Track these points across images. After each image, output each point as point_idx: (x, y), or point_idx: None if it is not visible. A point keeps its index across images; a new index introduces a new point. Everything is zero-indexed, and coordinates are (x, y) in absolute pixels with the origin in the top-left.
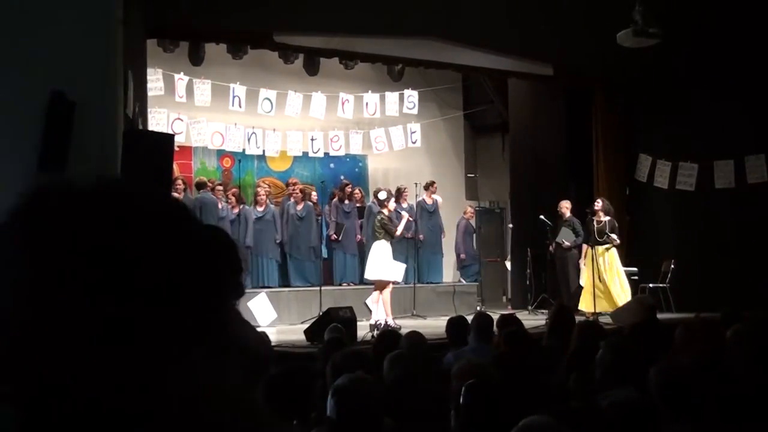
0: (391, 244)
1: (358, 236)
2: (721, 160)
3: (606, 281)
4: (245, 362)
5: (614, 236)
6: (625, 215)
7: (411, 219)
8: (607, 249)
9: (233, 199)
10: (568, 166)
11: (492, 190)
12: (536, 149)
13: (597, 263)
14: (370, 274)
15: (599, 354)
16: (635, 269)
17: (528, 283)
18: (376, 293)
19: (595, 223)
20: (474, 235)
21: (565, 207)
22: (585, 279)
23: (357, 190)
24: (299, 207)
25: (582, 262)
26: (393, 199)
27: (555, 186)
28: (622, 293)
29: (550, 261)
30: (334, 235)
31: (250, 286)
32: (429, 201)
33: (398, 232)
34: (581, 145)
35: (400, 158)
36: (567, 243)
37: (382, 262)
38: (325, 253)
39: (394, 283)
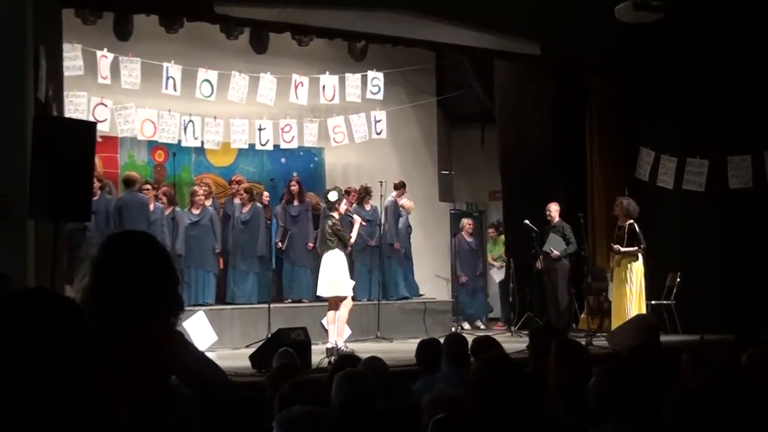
0: (347, 254)
1: (310, 244)
2: (736, 155)
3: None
4: (197, 398)
5: (618, 247)
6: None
7: (363, 223)
8: (630, 259)
9: (164, 199)
10: (557, 163)
11: (470, 190)
12: (521, 142)
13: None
14: (322, 289)
15: (592, 382)
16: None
17: (511, 299)
18: (332, 313)
19: (616, 229)
20: (474, 252)
21: (554, 210)
22: (612, 293)
23: (311, 194)
24: (245, 209)
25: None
26: (344, 201)
27: (542, 186)
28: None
29: (537, 274)
30: (279, 243)
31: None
32: (408, 204)
33: (352, 240)
34: (573, 138)
35: (363, 152)
36: (555, 252)
37: (336, 275)
38: (275, 264)
39: (353, 299)
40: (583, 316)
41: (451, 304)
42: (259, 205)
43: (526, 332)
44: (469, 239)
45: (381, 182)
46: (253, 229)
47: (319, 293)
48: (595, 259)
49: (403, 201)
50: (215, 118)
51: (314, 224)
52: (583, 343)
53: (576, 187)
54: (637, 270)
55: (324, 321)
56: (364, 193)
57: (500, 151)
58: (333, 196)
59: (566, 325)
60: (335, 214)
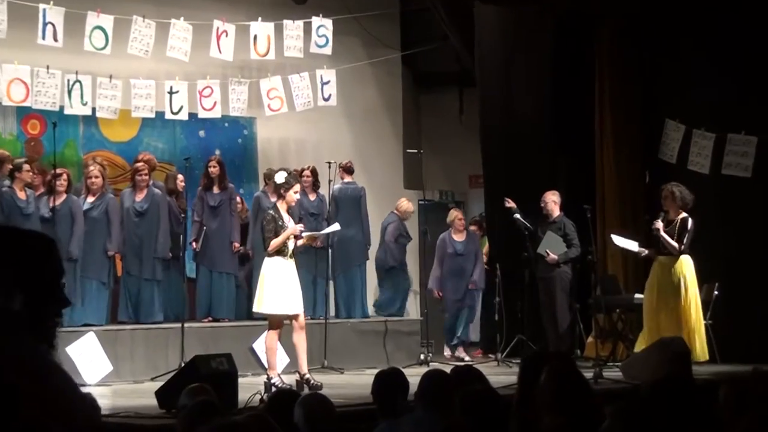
0: (289, 257)
1: (236, 244)
2: None
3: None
4: None
5: (659, 226)
6: (644, 214)
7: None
8: (677, 261)
9: (38, 180)
10: (557, 140)
11: (444, 175)
12: (509, 113)
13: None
14: (266, 304)
15: (604, 426)
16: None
17: (497, 317)
18: (272, 335)
19: (661, 224)
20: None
21: (552, 201)
22: (645, 307)
23: (231, 188)
24: (139, 197)
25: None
26: (296, 188)
27: (537, 170)
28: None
29: (530, 284)
30: (194, 244)
31: (68, 323)
32: (404, 206)
33: (274, 243)
34: (578, 107)
35: (306, 123)
36: (553, 255)
37: (285, 285)
38: (192, 271)
39: (294, 319)
40: (590, 339)
41: (419, 323)
42: (156, 190)
43: (516, 361)
44: (459, 240)
45: (329, 163)
46: (151, 224)
47: (258, 309)
48: (607, 265)
49: (402, 203)
50: (111, 77)
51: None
52: (591, 375)
53: (581, 171)
54: (690, 272)
55: (256, 346)
56: (314, 179)
57: (481, 125)
58: (281, 177)
59: (568, 352)
60: (281, 205)
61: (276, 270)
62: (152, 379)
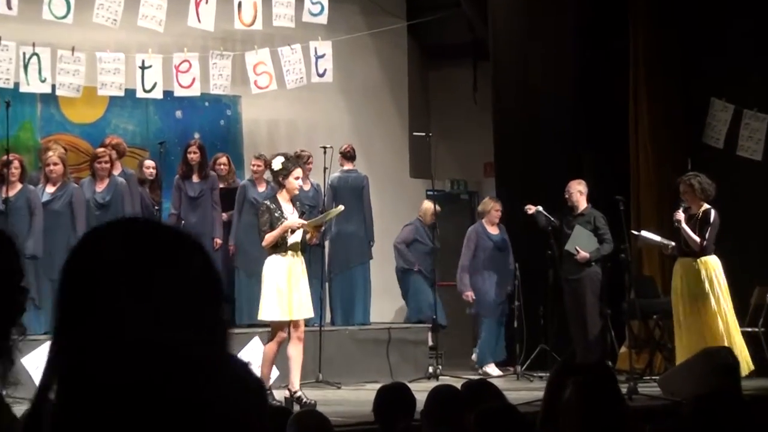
0: (292, 253)
1: (217, 240)
2: None
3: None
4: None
5: (680, 216)
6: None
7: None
8: (703, 262)
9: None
10: (584, 122)
11: (456, 161)
12: (528, 91)
13: (687, 287)
14: (260, 310)
15: None
16: None
17: (516, 324)
18: (272, 344)
19: (682, 215)
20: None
21: (577, 192)
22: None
23: (224, 159)
24: (99, 187)
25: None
26: (297, 171)
27: (560, 157)
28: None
29: (554, 286)
30: None
31: (28, 333)
32: (426, 206)
33: (268, 238)
34: (608, 84)
35: (298, 103)
36: (583, 253)
37: (276, 289)
38: None
39: (293, 327)
40: (623, 349)
41: (428, 331)
42: (121, 179)
43: (539, 375)
44: (495, 233)
45: (324, 148)
46: (115, 216)
47: (259, 316)
48: (642, 264)
49: (426, 205)
50: (73, 50)
51: (226, 207)
52: (624, 390)
53: (612, 158)
54: (717, 274)
55: (243, 357)
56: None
57: (494, 105)
58: (277, 163)
59: (600, 364)
60: (281, 195)
61: (274, 270)
62: None
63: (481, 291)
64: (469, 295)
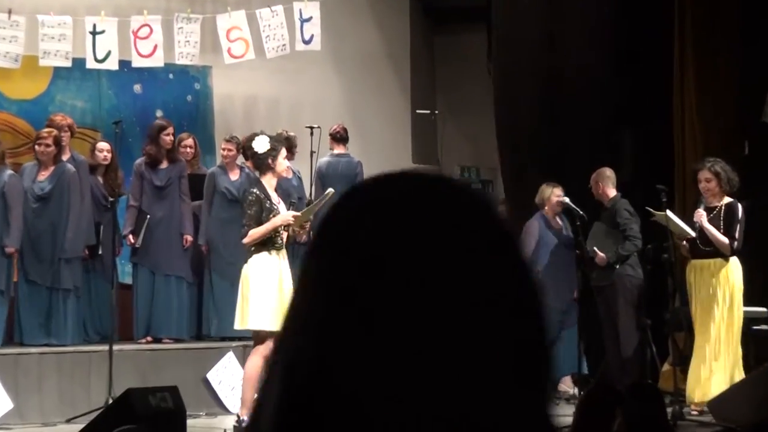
0: (281, 253)
1: (188, 238)
2: None
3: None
4: None
5: (717, 235)
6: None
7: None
8: (720, 265)
9: None
10: (617, 97)
11: (467, 144)
12: (554, 60)
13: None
14: (243, 319)
15: None
16: (761, 309)
17: None
18: (256, 358)
19: (704, 213)
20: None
21: (605, 180)
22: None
23: (189, 140)
24: (42, 175)
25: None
26: (282, 154)
27: (590, 135)
28: (728, 357)
29: (583, 291)
30: (131, 237)
31: None
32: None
33: (253, 234)
34: (648, 51)
35: (280, 75)
36: (600, 254)
37: (268, 292)
38: (126, 275)
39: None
40: (666, 367)
41: None
42: (69, 166)
43: (565, 395)
44: (558, 226)
45: (311, 128)
46: (56, 212)
47: (242, 325)
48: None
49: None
50: (9, 13)
51: (196, 198)
52: (669, 414)
53: (652, 140)
54: (731, 280)
55: (212, 376)
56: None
57: (495, 74)
58: (262, 145)
59: (642, 386)
60: (267, 180)
61: (264, 269)
62: (68, 421)
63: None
64: None
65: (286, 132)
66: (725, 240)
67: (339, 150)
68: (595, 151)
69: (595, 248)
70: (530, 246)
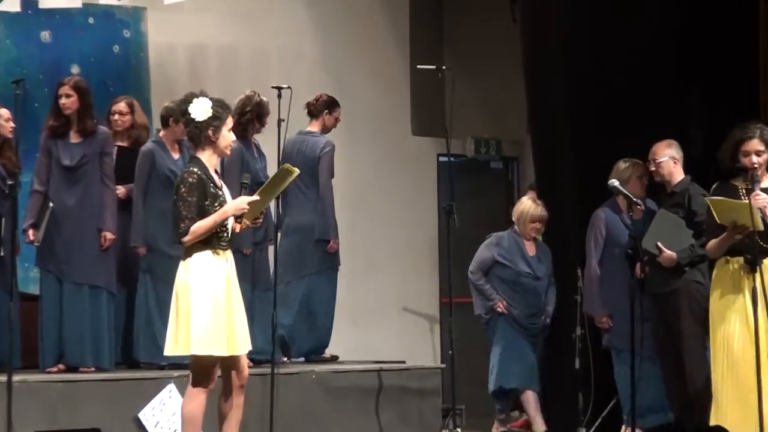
0: (227, 254)
1: (107, 235)
2: None
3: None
4: None
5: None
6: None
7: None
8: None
9: None
10: (682, 54)
11: (485, 113)
12: (595, 12)
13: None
14: (176, 342)
15: None
16: None
17: (577, 364)
18: (196, 392)
19: (743, 197)
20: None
21: (669, 157)
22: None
23: (122, 105)
24: None
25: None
26: (231, 120)
27: (649, 97)
28: None
29: (635, 304)
30: (31, 233)
31: None
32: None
33: (193, 231)
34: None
35: (238, 20)
36: (669, 252)
37: (210, 308)
38: (30, 284)
39: (232, 366)
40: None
41: (439, 375)
42: None
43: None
44: (636, 219)
45: (279, 89)
46: None
47: (175, 350)
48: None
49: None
50: None
51: (124, 180)
52: None
53: (732, 104)
54: None
55: (144, 414)
56: (254, 114)
57: (522, 21)
58: (201, 109)
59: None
60: (207, 158)
61: (207, 275)
62: None
63: (617, 309)
64: (606, 320)
65: (258, 95)
66: None
67: (311, 127)
68: (655, 117)
69: (659, 243)
70: (599, 245)
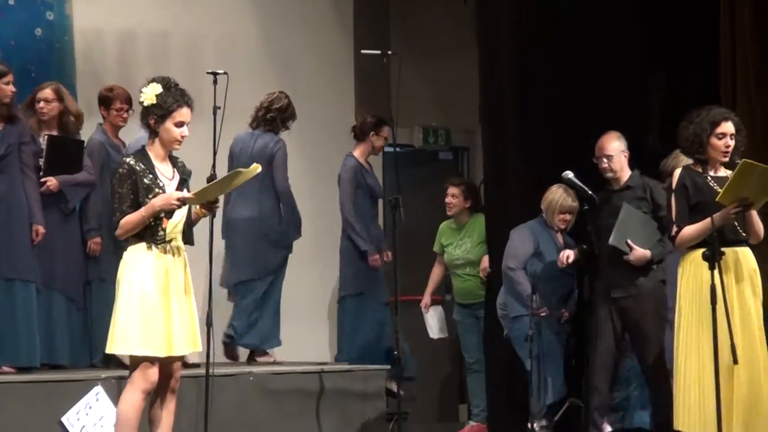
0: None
1: (39, 228)
2: None
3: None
4: None
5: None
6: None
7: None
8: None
9: None
10: (644, 32)
11: (434, 98)
12: None
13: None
14: (113, 340)
15: None
16: None
17: (532, 365)
18: (133, 393)
19: (710, 180)
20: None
21: (619, 151)
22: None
23: (48, 92)
24: None
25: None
26: (185, 110)
27: (605, 86)
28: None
29: (594, 304)
30: None
31: None
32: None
33: (127, 224)
34: None
35: (170, 1)
36: (638, 250)
37: (147, 305)
38: None
39: (168, 366)
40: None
41: (384, 377)
42: None
43: None
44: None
45: (215, 75)
46: None
47: (112, 348)
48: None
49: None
50: None
51: (56, 171)
52: None
53: (689, 95)
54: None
55: (68, 419)
56: (278, 115)
57: (476, 14)
58: (150, 94)
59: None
60: (152, 149)
61: (139, 271)
62: None
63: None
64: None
65: (285, 97)
66: (758, 224)
67: (356, 152)
68: (610, 106)
69: (628, 241)
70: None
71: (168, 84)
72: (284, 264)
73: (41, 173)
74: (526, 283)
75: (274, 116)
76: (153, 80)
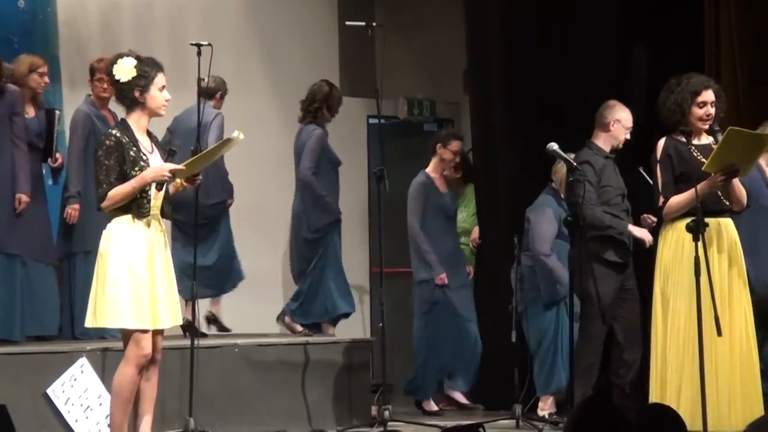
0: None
1: (22, 197)
2: None
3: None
4: None
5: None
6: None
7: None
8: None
9: None
10: (630, 10)
11: (419, 70)
12: None
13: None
14: (97, 313)
15: None
16: None
17: (514, 337)
18: (129, 368)
19: (693, 149)
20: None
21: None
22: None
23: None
24: None
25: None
26: (161, 76)
27: (590, 61)
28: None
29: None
30: None
31: None
32: None
33: (112, 197)
34: None
35: None
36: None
37: (134, 278)
38: None
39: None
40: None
41: (370, 348)
42: None
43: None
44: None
45: (198, 46)
46: None
47: (95, 322)
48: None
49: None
50: None
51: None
52: None
53: (672, 66)
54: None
55: (53, 390)
56: (323, 104)
57: None
58: (128, 68)
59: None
60: (136, 121)
61: (124, 243)
62: None
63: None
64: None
65: (328, 85)
66: (741, 191)
67: (430, 169)
68: (596, 77)
69: (647, 215)
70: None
71: (137, 56)
72: (320, 246)
73: (54, 148)
74: (560, 268)
75: (318, 106)
76: (119, 57)
